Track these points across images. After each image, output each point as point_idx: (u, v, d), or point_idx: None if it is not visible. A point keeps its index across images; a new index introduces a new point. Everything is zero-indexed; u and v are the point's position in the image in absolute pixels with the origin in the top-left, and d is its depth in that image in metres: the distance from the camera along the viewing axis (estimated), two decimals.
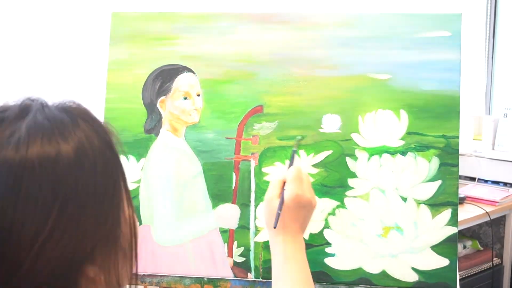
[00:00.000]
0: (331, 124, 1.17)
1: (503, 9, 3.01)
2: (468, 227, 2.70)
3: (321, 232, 1.14)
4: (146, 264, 1.16)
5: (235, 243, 1.16)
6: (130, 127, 1.21)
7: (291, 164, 0.97)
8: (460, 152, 1.15)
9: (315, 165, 1.16)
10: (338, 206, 1.14)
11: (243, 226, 1.15)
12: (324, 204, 1.14)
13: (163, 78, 1.21)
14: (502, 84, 3.10)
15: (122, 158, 0.62)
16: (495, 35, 3.06)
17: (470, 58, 2.99)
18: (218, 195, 1.17)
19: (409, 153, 1.14)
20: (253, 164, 1.17)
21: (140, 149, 1.20)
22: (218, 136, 1.19)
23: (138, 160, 1.19)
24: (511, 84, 3.07)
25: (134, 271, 0.64)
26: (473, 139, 2.97)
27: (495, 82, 3.13)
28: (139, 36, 1.23)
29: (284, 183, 0.94)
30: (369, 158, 1.15)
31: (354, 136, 1.16)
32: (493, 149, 2.88)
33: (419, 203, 1.13)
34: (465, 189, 2.75)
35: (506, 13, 3.01)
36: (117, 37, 1.23)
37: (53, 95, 0.62)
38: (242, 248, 1.16)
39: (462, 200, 2.61)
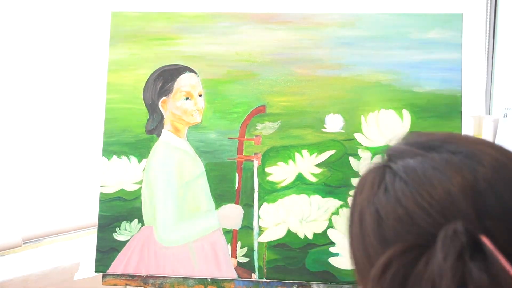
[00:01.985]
0: (334, 124, 1.16)
1: (503, 9, 3.02)
2: None
3: (325, 232, 1.14)
4: (149, 265, 1.16)
5: (239, 243, 1.16)
6: (131, 127, 1.20)
7: None
8: None
9: (318, 165, 1.15)
10: (341, 206, 1.14)
11: (247, 226, 1.15)
12: (328, 204, 1.14)
13: (164, 78, 1.20)
14: (502, 84, 3.10)
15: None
16: (495, 35, 3.07)
17: (470, 58, 2.99)
18: (221, 196, 1.17)
19: None
20: (256, 164, 1.17)
21: (141, 150, 1.19)
22: (221, 136, 1.18)
23: (139, 161, 1.19)
24: (511, 84, 3.07)
25: None
26: None
27: (495, 82, 3.13)
28: (140, 36, 1.22)
29: None
30: (372, 158, 1.15)
31: (357, 135, 1.16)
32: None
33: None
34: None
35: (506, 13, 3.02)
36: (117, 37, 1.22)
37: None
38: (245, 249, 1.16)
39: None
